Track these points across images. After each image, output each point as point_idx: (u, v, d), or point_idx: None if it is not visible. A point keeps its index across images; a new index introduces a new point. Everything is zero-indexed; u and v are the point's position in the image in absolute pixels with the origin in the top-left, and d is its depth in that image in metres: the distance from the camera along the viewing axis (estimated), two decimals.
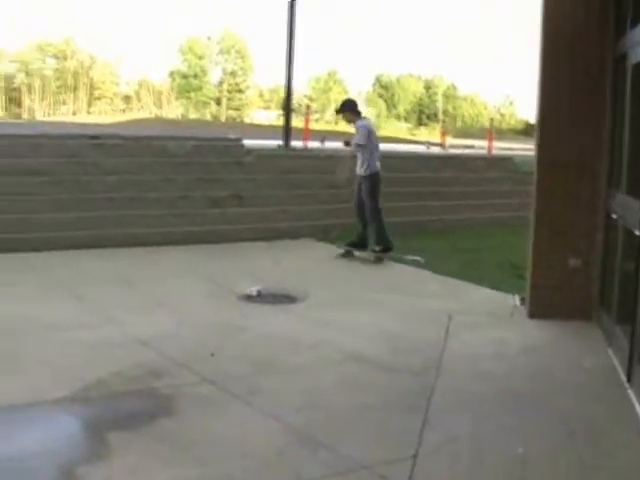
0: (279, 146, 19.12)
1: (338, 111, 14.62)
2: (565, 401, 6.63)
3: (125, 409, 6.22)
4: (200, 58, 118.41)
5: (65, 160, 14.00)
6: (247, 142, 16.72)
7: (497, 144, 40.40)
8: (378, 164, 13.69)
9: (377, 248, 13.52)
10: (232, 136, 17.46)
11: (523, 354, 8.05)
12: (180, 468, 5.17)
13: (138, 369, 7.02)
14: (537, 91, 9.24)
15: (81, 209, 13.56)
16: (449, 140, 48.37)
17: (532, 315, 9.31)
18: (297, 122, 23.99)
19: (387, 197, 14.08)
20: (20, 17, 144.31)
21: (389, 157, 16.31)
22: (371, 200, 13.52)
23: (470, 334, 8.69)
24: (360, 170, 13.60)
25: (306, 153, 16.85)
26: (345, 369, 7.28)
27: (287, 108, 20.22)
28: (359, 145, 13.69)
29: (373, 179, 13.59)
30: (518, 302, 9.98)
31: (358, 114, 14.07)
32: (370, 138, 13.75)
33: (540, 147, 9.25)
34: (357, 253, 13.72)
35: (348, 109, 14.14)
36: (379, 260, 13.46)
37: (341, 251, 13.85)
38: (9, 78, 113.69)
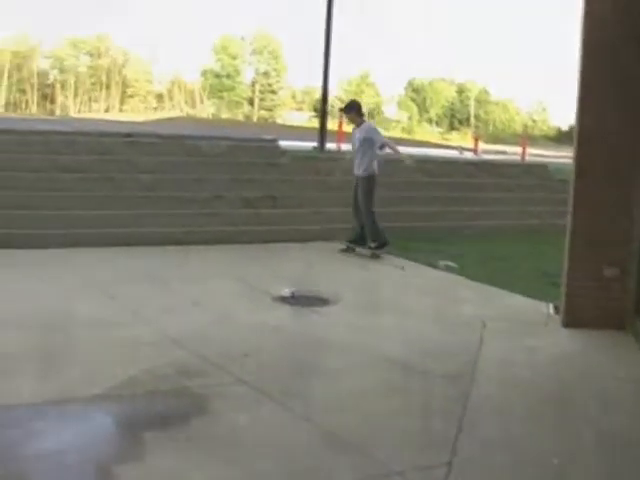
0: (314, 148, 19.11)
1: (345, 110, 14.80)
2: (598, 411, 6.60)
3: (158, 408, 6.24)
4: (233, 58, 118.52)
5: (100, 158, 14.09)
6: (282, 143, 16.77)
7: (529, 150, 40.17)
8: (376, 167, 13.88)
9: (372, 245, 13.80)
10: (267, 137, 17.47)
11: (557, 363, 8.01)
12: (213, 469, 5.17)
13: (171, 368, 7.04)
14: (576, 102, 9.19)
15: (115, 207, 13.62)
16: (481, 145, 48.12)
17: (566, 324, 9.25)
18: (330, 124, 23.88)
19: (421, 201, 14.10)
20: (55, 13, 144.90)
21: (424, 161, 16.30)
22: (366, 201, 13.73)
23: (504, 341, 8.65)
24: (358, 171, 13.81)
25: (340, 155, 16.79)
26: (379, 372, 7.27)
27: (323, 110, 20.24)
28: (383, 144, 14.00)
29: (371, 181, 13.80)
30: (552, 310, 9.92)
31: (362, 116, 14.35)
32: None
33: (577, 157, 9.21)
34: (358, 249, 13.97)
35: (355, 111, 14.39)
36: (375, 256, 13.70)
37: (344, 247, 14.12)
38: (43, 74, 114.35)
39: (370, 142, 13.89)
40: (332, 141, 21.50)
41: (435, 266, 12.99)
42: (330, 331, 8.67)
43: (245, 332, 8.39)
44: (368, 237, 13.93)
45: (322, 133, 19.28)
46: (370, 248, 13.81)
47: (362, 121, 14.29)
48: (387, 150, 14.47)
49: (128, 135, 14.93)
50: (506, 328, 9.22)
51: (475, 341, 8.49)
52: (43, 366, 6.95)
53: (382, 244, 13.82)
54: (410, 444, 5.68)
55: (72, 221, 13.10)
